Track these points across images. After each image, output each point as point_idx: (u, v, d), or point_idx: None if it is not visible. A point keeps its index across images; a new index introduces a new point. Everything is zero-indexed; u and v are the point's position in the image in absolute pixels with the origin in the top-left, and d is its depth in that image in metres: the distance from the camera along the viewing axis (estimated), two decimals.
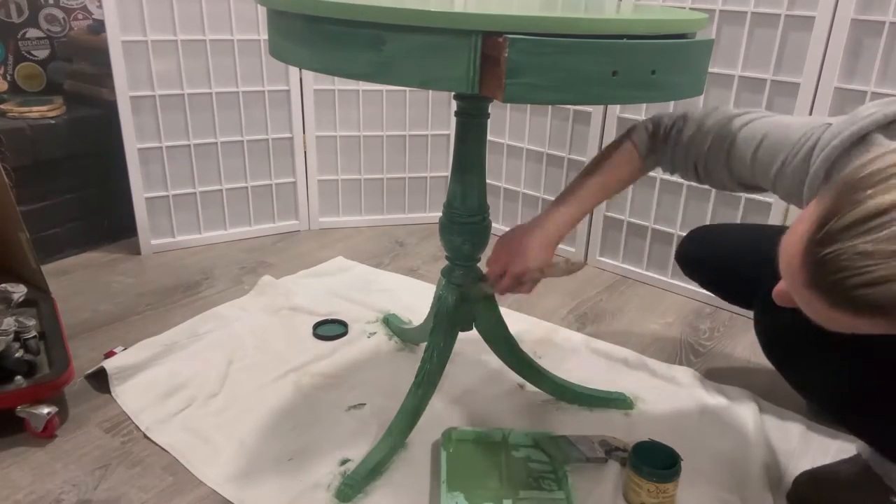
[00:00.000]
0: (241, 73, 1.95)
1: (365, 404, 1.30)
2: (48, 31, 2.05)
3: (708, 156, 1.00)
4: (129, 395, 1.30)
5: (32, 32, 2.03)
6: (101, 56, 1.84)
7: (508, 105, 2.08)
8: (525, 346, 1.32)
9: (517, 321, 1.61)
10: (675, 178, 1.80)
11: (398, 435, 1.16)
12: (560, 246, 2.09)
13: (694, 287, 1.80)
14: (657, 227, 1.87)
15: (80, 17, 2.11)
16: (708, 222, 1.77)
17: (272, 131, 2.05)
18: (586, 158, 1.94)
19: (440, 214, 1.18)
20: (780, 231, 1.18)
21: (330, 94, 2.08)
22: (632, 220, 1.91)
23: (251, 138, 2.03)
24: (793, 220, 1.66)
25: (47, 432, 1.18)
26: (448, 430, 1.18)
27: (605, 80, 0.76)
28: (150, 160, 1.90)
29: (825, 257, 0.63)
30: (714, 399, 1.36)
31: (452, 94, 1.39)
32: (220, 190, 2.03)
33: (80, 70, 2.02)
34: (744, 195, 1.70)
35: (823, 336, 0.83)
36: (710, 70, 1.62)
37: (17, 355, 1.23)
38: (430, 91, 2.14)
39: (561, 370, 1.38)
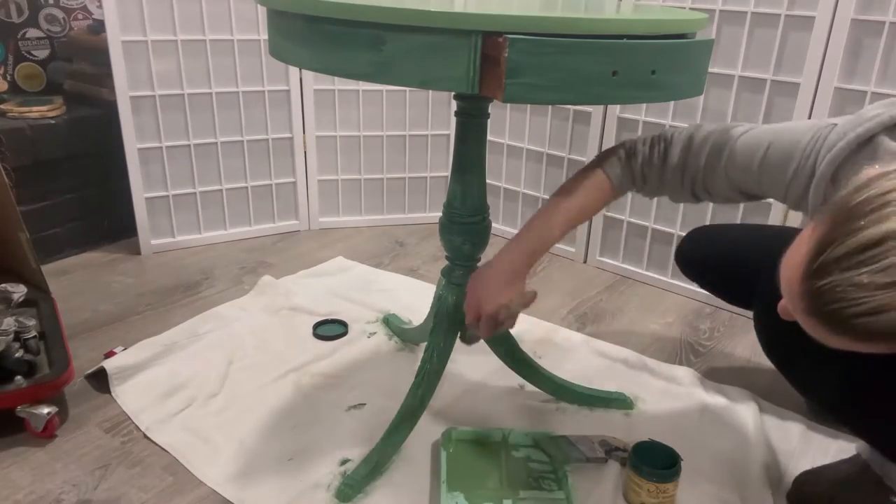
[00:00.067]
0: (241, 73, 1.95)
1: (365, 404, 1.30)
2: (48, 31, 2.05)
3: (706, 171, 0.98)
4: (129, 395, 1.30)
5: (32, 32, 2.03)
6: (101, 56, 1.84)
7: (508, 105, 2.08)
8: (525, 346, 1.32)
9: (517, 321, 1.61)
10: None
11: (398, 435, 1.16)
12: (561, 247, 2.10)
13: (694, 287, 1.80)
14: (657, 227, 1.87)
15: (80, 17, 2.11)
16: (708, 222, 1.77)
17: (272, 131, 2.05)
18: (586, 158, 1.94)
19: (440, 214, 1.18)
20: (779, 231, 1.18)
21: (330, 94, 2.08)
22: (632, 220, 1.91)
23: (251, 138, 2.03)
24: (792, 220, 1.66)
25: (47, 432, 1.18)
26: (448, 430, 1.18)
27: (605, 80, 0.76)
28: (150, 160, 1.90)
29: (822, 288, 0.65)
30: (714, 399, 1.36)
31: (452, 94, 1.39)
32: (220, 190, 2.03)
33: (80, 70, 2.02)
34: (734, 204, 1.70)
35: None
36: (710, 70, 1.62)
37: (17, 355, 1.23)
38: (430, 91, 2.14)
39: (561, 370, 1.38)
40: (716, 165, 0.97)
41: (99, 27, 1.95)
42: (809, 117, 1.56)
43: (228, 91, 1.95)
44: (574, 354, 1.51)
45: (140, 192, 1.90)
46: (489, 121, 1.11)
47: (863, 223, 0.63)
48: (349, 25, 0.79)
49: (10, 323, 1.27)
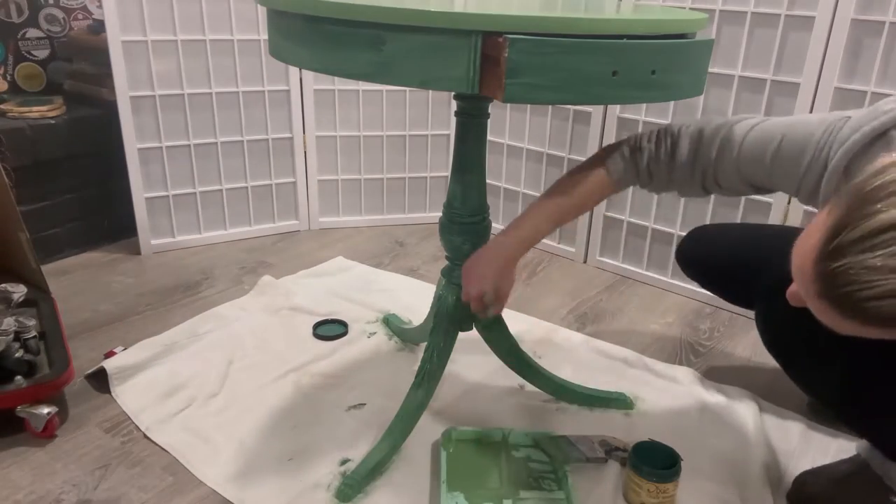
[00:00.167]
0: (241, 73, 1.95)
1: (365, 404, 1.30)
2: (48, 31, 2.05)
3: (717, 164, 0.97)
4: (129, 395, 1.30)
5: (32, 32, 2.03)
6: (101, 56, 1.84)
7: (508, 105, 2.08)
8: (525, 346, 1.32)
9: (517, 321, 1.61)
10: None
11: (398, 435, 1.16)
12: (561, 246, 2.09)
13: (694, 287, 1.80)
14: (657, 227, 1.87)
15: (80, 17, 2.11)
16: (708, 222, 1.77)
17: (272, 131, 2.05)
18: (586, 158, 1.94)
19: (440, 214, 1.18)
20: (780, 231, 1.18)
21: (330, 94, 2.08)
22: (632, 220, 1.91)
23: (251, 138, 2.03)
24: (792, 220, 1.66)
25: (47, 432, 1.18)
26: (448, 430, 1.18)
27: (605, 80, 0.76)
28: (150, 160, 1.90)
29: (835, 270, 0.65)
30: (714, 399, 1.35)
31: (452, 94, 1.39)
32: (220, 190, 2.03)
33: (80, 70, 2.02)
34: (743, 196, 1.70)
35: (825, 332, 0.83)
36: (710, 70, 1.62)
37: (17, 355, 1.23)
38: (430, 91, 2.14)
39: (561, 370, 1.38)
40: (727, 158, 0.96)
41: (99, 27, 1.95)
42: None
43: (228, 91, 1.95)
44: (574, 354, 1.51)
45: (140, 192, 1.90)
46: (489, 121, 1.11)
47: (879, 206, 0.63)
48: (349, 25, 0.79)
49: (10, 323, 1.27)
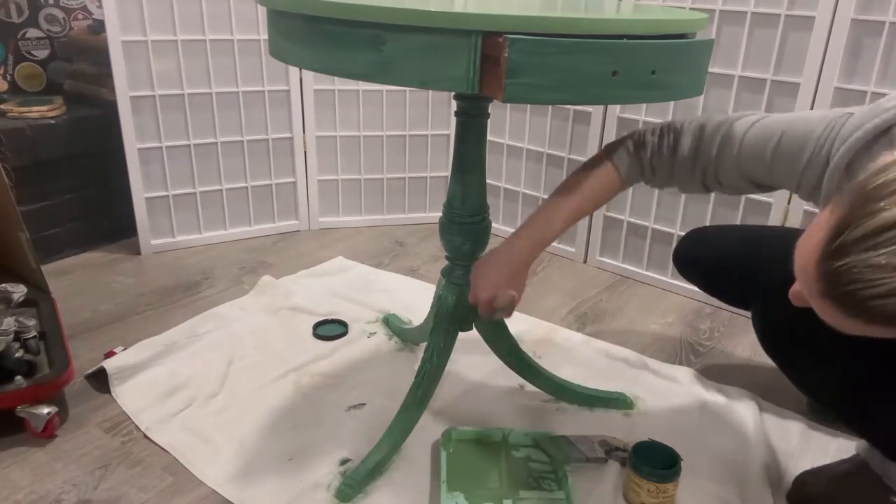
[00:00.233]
0: (241, 73, 1.95)
1: (365, 404, 1.30)
2: (48, 31, 2.05)
3: (717, 161, 0.97)
4: (129, 395, 1.30)
5: (32, 32, 2.03)
6: (101, 56, 1.84)
7: (508, 105, 2.08)
8: (525, 346, 1.32)
9: (517, 321, 1.61)
10: None
11: (398, 435, 1.16)
12: (561, 246, 2.09)
13: (694, 287, 1.79)
14: (657, 227, 1.87)
15: (80, 17, 2.11)
16: (708, 223, 1.77)
17: (272, 131, 2.05)
18: (586, 158, 1.93)
19: (440, 214, 1.18)
20: (778, 232, 1.18)
21: (330, 94, 2.08)
22: (632, 220, 1.91)
23: (251, 138, 2.03)
24: (792, 221, 1.66)
25: (47, 432, 1.18)
26: (448, 430, 1.18)
27: (605, 80, 0.76)
28: (150, 160, 1.90)
29: (839, 269, 0.65)
30: (714, 399, 1.36)
31: (452, 94, 1.39)
32: (220, 190, 2.03)
33: (80, 70, 2.02)
34: (743, 196, 1.70)
35: (823, 333, 0.83)
36: (710, 70, 1.62)
37: (17, 355, 1.23)
38: (430, 91, 2.14)
39: (561, 370, 1.38)
40: (727, 155, 0.96)
41: (99, 27, 1.95)
42: None
43: (228, 91, 1.95)
44: (574, 354, 1.51)
45: (140, 192, 1.90)
46: (489, 121, 1.11)
47: (882, 205, 0.63)
48: (349, 25, 0.79)
49: (10, 323, 1.27)
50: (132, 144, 1.85)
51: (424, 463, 1.16)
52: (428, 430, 1.21)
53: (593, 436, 1.21)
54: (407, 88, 2.11)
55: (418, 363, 1.22)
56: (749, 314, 1.71)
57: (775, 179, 0.95)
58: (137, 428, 1.22)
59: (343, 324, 1.58)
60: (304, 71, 2.01)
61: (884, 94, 1.45)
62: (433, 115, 2.18)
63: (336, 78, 2.01)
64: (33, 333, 1.29)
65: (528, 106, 2.03)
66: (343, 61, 0.82)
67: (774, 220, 1.66)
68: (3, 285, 1.43)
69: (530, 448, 1.17)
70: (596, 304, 1.78)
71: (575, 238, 2.02)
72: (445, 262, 1.22)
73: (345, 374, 1.40)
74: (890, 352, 0.87)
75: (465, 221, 1.15)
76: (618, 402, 1.32)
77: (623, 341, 1.57)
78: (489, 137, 2.09)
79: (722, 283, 1.30)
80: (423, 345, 1.30)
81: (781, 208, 1.64)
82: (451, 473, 1.10)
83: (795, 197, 1.61)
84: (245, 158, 2.04)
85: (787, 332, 1.02)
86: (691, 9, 1.68)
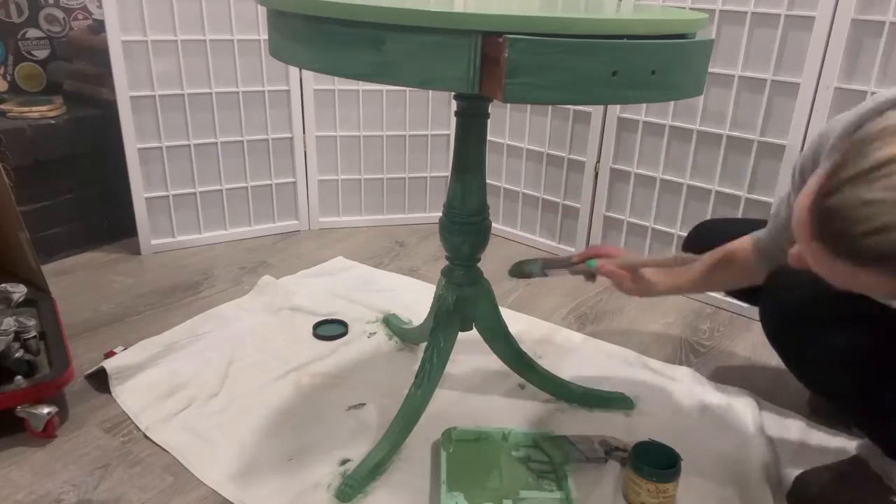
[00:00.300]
0: (241, 73, 1.95)
1: (365, 404, 1.30)
2: (48, 31, 2.05)
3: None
4: (129, 395, 1.30)
5: (32, 32, 2.03)
6: (101, 56, 1.84)
7: (508, 105, 2.08)
8: (525, 346, 1.32)
9: (517, 321, 1.61)
10: (675, 178, 1.81)
11: (398, 435, 1.16)
12: (561, 246, 2.08)
13: None
14: (657, 227, 1.87)
15: (80, 17, 2.11)
16: None
17: (272, 131, 2.05)
18: (586, 158, 1.94)
19: (440, 214, 1.18)
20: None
21: (330, 94, 2.08)
22: (632, 220, 1.91)
23: (251, 138, 2.03)
24: None
25: (47, 432, 1.18)
26: (448, 430, 1.18)
27: (605, 80, 0.76)
28: (150, 160, 1.90)
29: (831, 206, 0.64)
30: (714, 399, 1.35)
31: (452, 94, 1.39)
32: (220, 190, 2.03)
33: (80, 70, 2.02)
34: (745, 195, 1.70)
35: (831, 326, 0.83)
36: (710, 70, 1.62)
37: (17, 355, 1.23)
38: (430, 91, 2.14)
39: (561, 370, 1.38)
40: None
41: (99, 27, 1.95)
42: (809, 117, 1.56)
43: (228, 91, 1.95)
44: (574, 354, 1.51)
45: (140, 192, 1.90)
46: (489, 121, 1.11)
47: (876, 144, 0.63)
48: (349, 25, 0.79)
49: (10, 323, 1.27)
50: (132, 144, 1.85)
51: (424, 463, 1.16)
52: (428, 430, 1.21)
53: (593, 436, 1.21)
54: (407, 88, 2.11)
55: (418, 363, 1.22)
56: (750, 312, 1.71)
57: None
58: (137, 428, 1.22)
59: (343, 324, 1.58)
60: (304, 71, 2.01)
61: None
62: (433, 115, 2.18)
63: (336, 78, 2.01)
64: (33, 333, 1.29)
65: (528, 106, 2.03)
66: (343, 61, 0.82)
67: None
68: (3, 285, 1.43)
69: (530, 448, 1.17)
70: (596, 304, 1.78)
71: (575, 238, 2.02)
72: (445, 262, 1.22)
73: (345, 374, 1.40)
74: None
75: (465, 221, 1.15)
76: (618, 402, 1.32)
77: (623, 341, 1.57)
78: (489, 137, 2.09)
79: None
80: (423, 345, 1.30)
81: None
82: (451, 473, 1.10)
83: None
84: (245, 158, 2.04)
85: (793, 324, 1.01)
86: (691, 9, 1.68)
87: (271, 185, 2.10)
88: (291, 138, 2.08)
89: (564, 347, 1.54)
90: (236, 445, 1.18)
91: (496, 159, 2.15)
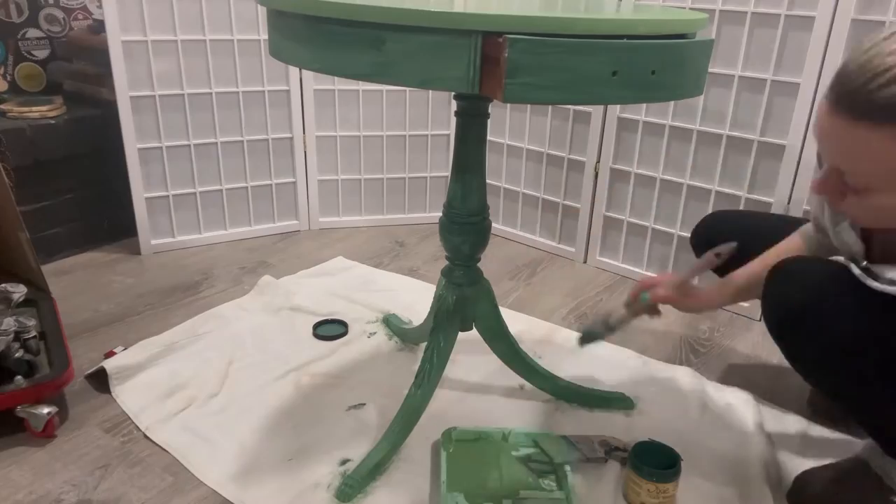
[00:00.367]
0: (241, 73, 1.95)
1: (365, 404, 1.30)
2: (48, 31, 2.05)
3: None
4: (129, 395, 1.30)
5: (32, 32, 2.03)
6: (101, 56, 1.84)
7: (508, 105, 2.08)
8: (525, 346, 1.32)
9: (517, 321, 1.61)
10: (676, 178, 1.81)
11: (398, 435, 1.16)
12: (561, 246, 2.09)
13: None
14: (657, 227, 1.87)
15: (80, 17, 2.11)
16: None
17: (272, 131, 2.05)
18: (586, 158, 1.94)
19: (440, 214, 1.18)
20: (796, 221, 1.20)
21: (330, 94, 2.08)
22: (632, 220, 1.91)
23: (251, 138, 2.03)
24: (794, 211, 1.64)
25: (47, 432, 1.18)
26: (448, 430, 1.18)
27: (605, 80, 0.76)
28: (150, 160, 1.90)
29: (848, 69, 0.71)
30: (714, 399, 1.35)
31: (452, 94, 1.39)
32: (220, 190, 2.03)
33: (80, 70, 2.02)
34: (745, 195, 1.70)
35: (833, 316, 0.83)
36: (710, 70, 1.62)
37: (17, 355, 1.23)
38: (430, 91, 2.14)
39: (561, 370, 1.38)
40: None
41: (99, 27, 1.95)
42: (809, 117, 1.56)
43: (228, 91, 1.95)
44: (574, 354, 1.51)
45: (140, 192, 1.90)
46: (489, 121, 1.11)
47: (886, 29, 0.70)
48: (349, 25, 0.79)
49: (10, 323, 1.27)
50: (132, 144, 1.85)
51: (424, 463, 1.16)
52: (428, 430, 1.21)
53: (593, 436, 1.21)
54: (407, 88, 2.11)
55: (418, 363, 1.22)
56: (749, 312, 1.71)
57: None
58: (137, 428, 1.22)
59: (343, 324, 1.58)
60: (304, 71, 2.01)
61: None
62: (433, 115, 2.18)
63: (336, 78, 2.01)
64: (33, 333, 1.29)
65: (528, 106, 2.03)
66: (343, 61, 0.82)
67: (777, 211, 1.66)
68: (3, 285, 1.43)
69: (530, 448, 1.17)
70: (596, 304, 1.78)
71: (575, 238, 2.02)
72: (445, 262, 1.22)
73: (345, 374, 1.40)
74: None
75: (465, 221, 1.15)
76: (618, 402, 1.32)
77: (623, 341, 1.57)
78: (489, 137, 2.09)
79: (735, 266, 1.29)
80: (423, 345, 1.30)
81: (781, 209, 1.64)
82: (451, 473, 1.10)
83: (795, 197, 1.61)
84: (245, 158, 2.04)
85: (797, 318, 1.01)
86: (691, 9, 1.68)
87: (271, 185, 2.10)
88: (291, 138, 2.08)
89: (564, 347, 1.54)
90: (236, 445, 1.18)
91: (496, 159, 2.15)
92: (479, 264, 1.23)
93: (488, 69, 0.75)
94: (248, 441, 1.19)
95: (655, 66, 0.79)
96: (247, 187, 2.07)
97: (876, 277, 0.87)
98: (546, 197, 2.08)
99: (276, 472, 1.12)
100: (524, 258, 2.04)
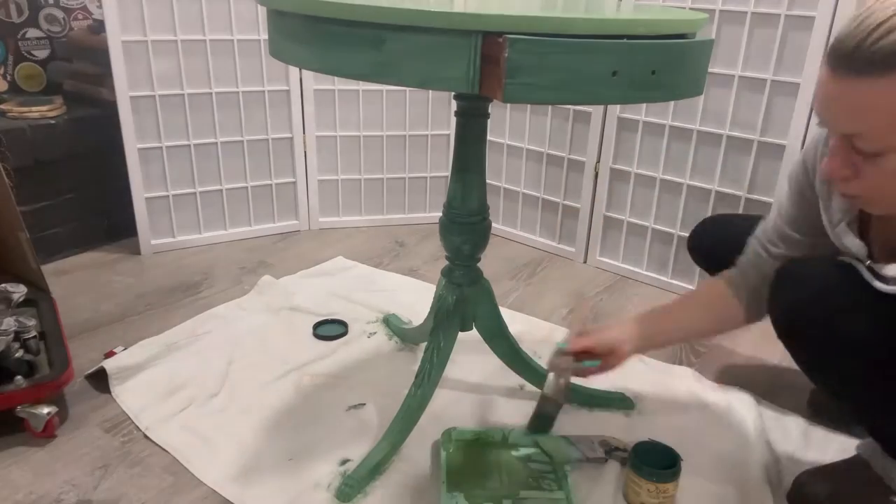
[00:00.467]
0: (241, 73, 1.95)
1: (365, 404, 1.30)
2: (48, 31, 2.05)
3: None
4: (129, 395, 1.30)
5: (32, 32, 2.03)
6: (101, 56, 1.84)
7: (508, 105, 2.08)
8: (525, 346, 1.32)
9: (517, 321, 1.61)
10: (676, 178, 1.81)
11: (398, 435, 1.16)
12: (561, 246, 2.09)
13: (694, 287, 1.80)
14: (657, 227, 1.87)
15: (80, 17, 2.11)
16: None
17: (272, 131, 2.05)
18: (586, 158, 1.94)
19: (440, 214, 1.18)
20: None
21: (330, 94, 2.08)
22: (632, 220, 1.91)
23: (251, 138, 2.03)
24: None
25: (47, 432, 1.18)
26: (448, 430, 1.18)
27: (605, 80, 0.76)
28: (150, 160, 1.90)
29: (843, 37, 0.73)
30: (714, 399, 1.35)
31: (452, 94, 1.39)
32: (220, 190, 2.03)
33: (80, 70, 2.02)
34: (745, 195, 1.70)
35: (839, 316, 0.83)
36: (710, 70, 1.62)
37: (17, 355, 1.23)
38: (430, 91, 2.14)
39: None
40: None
41: (99, 27, 1.95)
42: (809, 117, 1.56)
43: (228, 91, 1.95)
44: None
45: (140, 192, 1.90)
46: (489, 121, 1.11)
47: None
48: (349, 25, 0.79)
49: (10, 323, 1.27)
50: (132, 144, 1.85)
51: (424, 463, 1.16)
52: (428, 430, 1.21)
53: (593, 436, 1.21)
54: (407, 88, 2.11)
55: (418, 363, 1.22)
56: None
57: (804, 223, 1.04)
58: (137, 428, 1.22)
59: (343, 324, 1.58)
60: (304, 71, 2.01)
61: None
62: (433, 115, 2.18)
63: (336, 78, 2.01)
64: (33, 333, 1.29)
65: (528, 106, 2.03)
66: (343, 61, 0.82)
67: None
68: (3, 285, 1.43)
69: (530, 448, 1.17)
70: (596, 304, 1.78)
71: (575, 238, 2.02)
72: (445, 262, 1.22)
73: (345, 374, 1.40)
74: None
75: (465, 221, 1.15)
76: (618, 402, 1.32)
77: None
78: (489, 137, 2.09)
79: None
80: (423, 345, 1.30)
81: None
82: (451, 473, 1.10)
83: None
84: (245, 158, 2.04)
85: (804, 310, 1.01)
86: (691, 9, 1.68)
87: (271, 185, 2.10)
88: (291, 138, 2.08)
89: None
90: (236, 445, 1.18)
91: (496, 159, 2.15)
92: (479, 264, 1.23)
93: (488, 69, 0.75)
94: (248, 441, 1.19)
95: (655, 66, 0.79)
96: (247, 187, 2.07)
97: (881, 278, 0.87)
98: (546, 197, 2.08)
99: (276, 472, 1.12)
100: (524, 258, 2.04)
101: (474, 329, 1.26)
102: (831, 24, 1.49)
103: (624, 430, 1.25)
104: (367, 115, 2.13)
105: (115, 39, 1.76)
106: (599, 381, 1.38)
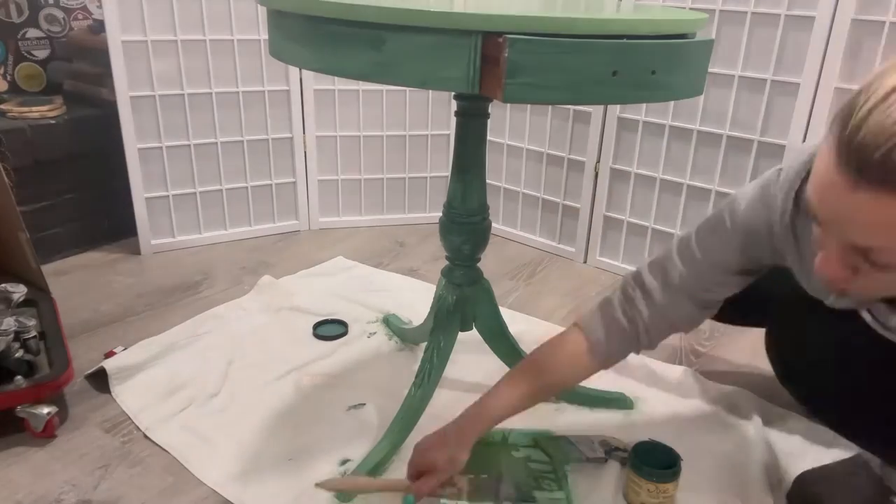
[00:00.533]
0: (241, 73, 1.95)
1: (365, 404, 1.30)
2: (48, 31, 2.05)
3: (688, 272, 0.96)
4: (129, 395, 1.30)
5: (32, 32, 2.03)
6: (101, 56, 1.84)
7: (508, 105, 2.08)
8: (525, 346, 1.32)
9: (517, 321, 1.61)
10: (676, 178, 1.81)
11: (398, 435, 1.16)
12: (561, 246, 2.08)
13: None
14: (657, 227, 1.87)
15: (80, 17, 2.11)
16: None
17: (272, 131, 2.05)
18: (586, 158, 1.94)
19: (440, 214, 1.18)
20: None
21: (330, 94, 2.08)
22: (632, 220, 1.91)
23: (251, 138, 2.03)
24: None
25: (47, 432, 1.18)
26: None
27: (605, 80, 0.76)
28: (150, 160, 1.90)
29: (863, 141, 0.59)
30: (714, 399, 1.35)
31: (452, 94, 1.39)
32: (220, 190, 2.03)
33: (80, 70, 2.02)
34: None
35: (845, 352, 0.82)
36: (710, 70, 1.62)
37: (17, 355, 1.23)
38: (430, 91, 2.14)
39: None
40: (669, 292, 0.97)
41: (99, 27, 1.95)
42: (809, 117, 1.56)
43: (228, 91, 1.95)
44: None
45: (140, 192, 1.90)
46: (489, 121, 1.11)
47: (882, 74, 0.60)
48: (349, 25, 0.79)
49: (10, 323, 1.27)
50: (132, 144, 1.85)
51: None
52: (428, 430, 1.20)
53: (593, 436, 1.21)
54: (407, 88, 2.11)
55: (418, 363, 1.22)
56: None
57: (719, 278, 0.96)
58: (137, 428, 1.22)
59: (343, 324, 1.58)
60: (304, 71, 2.01)
61: None
62: (433, 115, 2.18)
63: (336, 78, 2.01)
64: (33, 333, 1.29)
65: (528, 106, 2.03)
66: (343, 61, 0.82)
67: None
68: (3, 285, 1.43)
69: (530, 448, 1.17)
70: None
71: (575, 238, 2.02)
72: (445, 262, 1.22)
73: (345, 374, 1.40)
74: None
75: (465, 221, 1.15)
76: (618, 402, 1.32)
77: None
78: (489, 137, 2.08)
79: (735, 300, 1.27)
80: (423, 345, 1.30)
81: None
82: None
83: None
84: (245, 158, 2.04)
85: (804, 350, 1.00)
86: (691, 9, 1.68)
87: (271, 185, 2.10)
88: (291, 138, 2.08)
89: None
90: (236, 445, 1.18)
91: (496, 159, 2.15)
92: (479, 264, 1.23)
93: (488, 69, 0.75)
94: (248, 441, 1.19)
95: (655, 66, 0.79)
96: (247, 187, 2.07)
97: (881, 324, 0.83)
98: (546, 197, 2.08)
99: (276, 472, 1.12)
100: (524, 258, 2.04)
101: (474, 329, 1.26)
102: (831, 24, 1.49)
103: (624, 430, 1.25)
104: (367, 115, 2.13)
105: (115, 39, 1.76)
106: (599, 381, 1.38)
